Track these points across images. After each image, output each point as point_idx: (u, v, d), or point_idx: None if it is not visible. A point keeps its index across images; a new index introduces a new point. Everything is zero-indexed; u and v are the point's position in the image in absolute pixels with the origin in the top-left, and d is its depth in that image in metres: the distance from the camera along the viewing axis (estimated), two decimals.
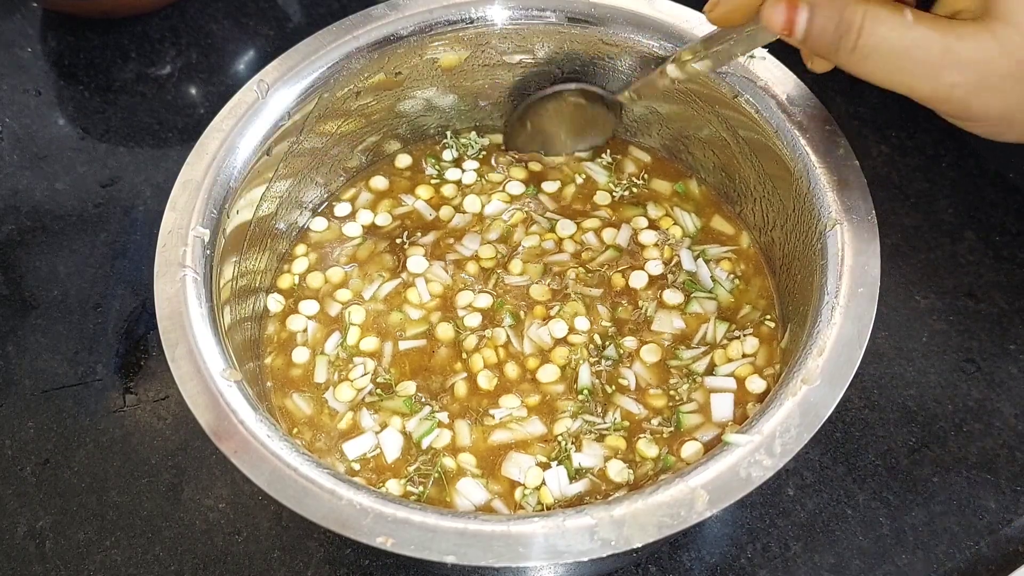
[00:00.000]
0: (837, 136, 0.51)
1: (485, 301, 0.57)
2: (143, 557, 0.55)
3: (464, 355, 0.55)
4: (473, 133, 0.65)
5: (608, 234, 0.59)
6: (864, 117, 0.70)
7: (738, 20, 0.45)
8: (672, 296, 0.56)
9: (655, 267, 0.58)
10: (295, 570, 0.54)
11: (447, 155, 0.64)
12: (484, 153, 0.65)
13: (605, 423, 0.52)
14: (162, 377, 0.61)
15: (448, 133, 0.65)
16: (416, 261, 0.59)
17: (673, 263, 0.58)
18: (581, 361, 0.54)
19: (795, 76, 0.53)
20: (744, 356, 0.54)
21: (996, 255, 0.64)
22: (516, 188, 0.62)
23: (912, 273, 0.63)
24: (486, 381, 0.53)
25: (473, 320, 0.56)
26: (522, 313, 0.56)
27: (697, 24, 0.55)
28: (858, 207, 0.48)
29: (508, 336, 0.55)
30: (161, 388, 0.61)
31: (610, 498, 0.42)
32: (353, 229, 0.61)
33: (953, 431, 0.57)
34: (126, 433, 0.59)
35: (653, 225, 0.60)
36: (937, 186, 0.67)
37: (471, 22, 0.58)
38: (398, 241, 0.60)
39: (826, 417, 0.42)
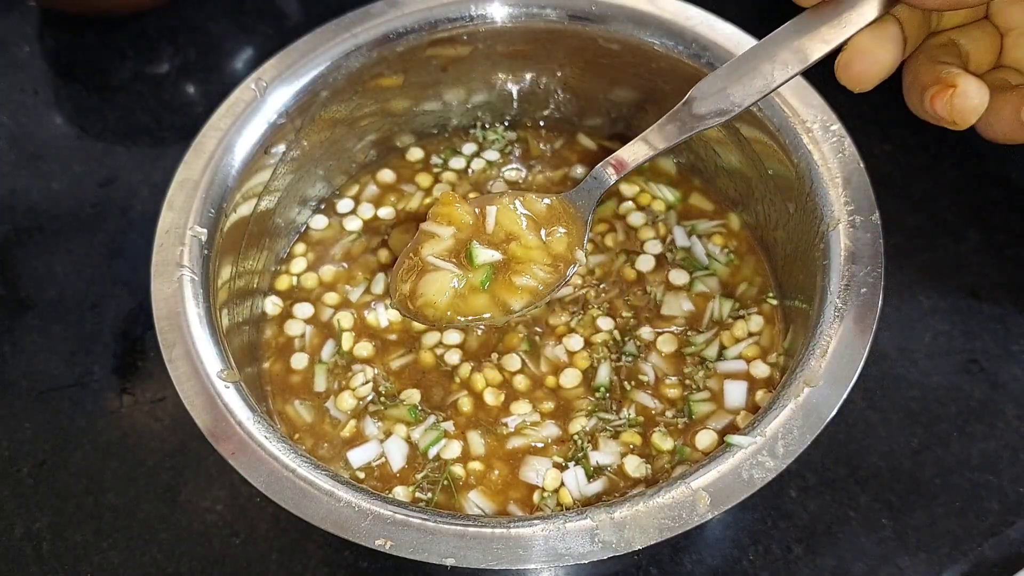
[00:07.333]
0: (842, 135, 0.50)
1: (455, 338, 0.55)
2: (140, 559, 0.54)
3: (458, 379, 0.54)
4: (500, 127, 0.65)
5: (608, 240, 0.59)
6: (867, 115, 0.69)
7: None
8: (677, 276, 0.57)
9: (655, 246, 0.58)
10: (293, 572, 0.53)
11: (467, 148, 0.64)
12: (509, 148, 0.64)
13: (620, 419, 0.52)
14: (159, 378, 0.61)
15: (478, 124, 0.65)
16: (379, 279, 0.58)
17: (669, 241, 0.59)
18: (602, 359, 0.54)
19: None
20: (750, 335, 0.54)
21: (1000, 255, 0.63)
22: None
23: (915, 273, 0.63)
24: (492, 397, 0.53)
25: (453, 357, 0.54)
26: (537, 338, 0.55)
27: (699, 22, 0.55)
28: (861, 207, 0.48)
29: (523, 360, 0.54)
30: (158, 389, 0.60)
31: (612, 499, 0.42)
32: (353, 223, 0.61)
33: (956, 432, 0.57)
34: (123, 434, 0.59)
35: (636, 204, 0.60)
36: (940, 186, 0.67)
37: (471, 19, 0.57)
38: (373, 245, 0.60)
39: (829, 418, 0.42)
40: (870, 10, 0.38)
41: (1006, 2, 0.40)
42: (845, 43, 0.38)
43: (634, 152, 0.47)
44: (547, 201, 0.50)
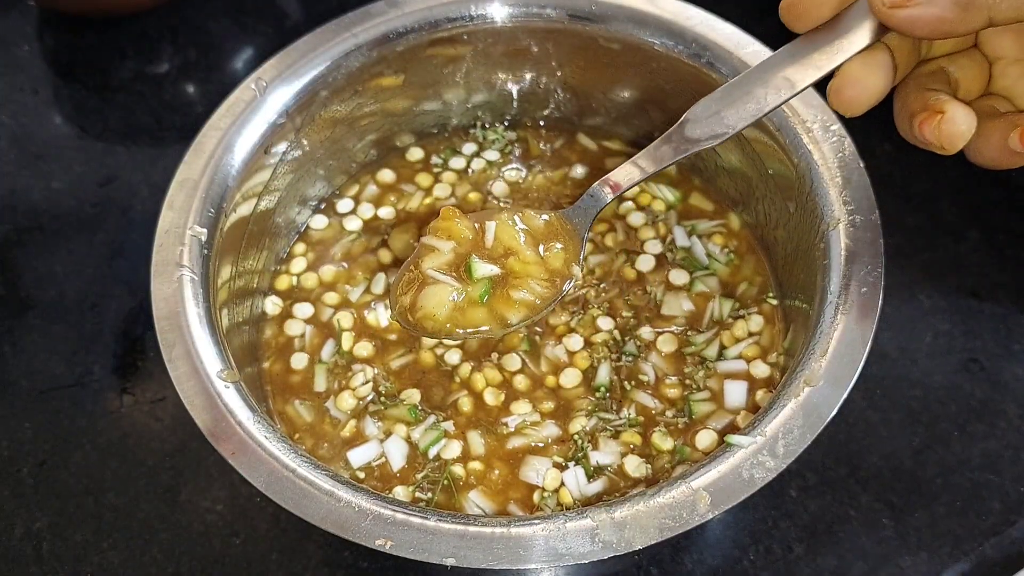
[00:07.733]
0: (842, 135, 0.50)
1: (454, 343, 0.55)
2: (140, 559, 0.54)
3: (458, 379, 0.54)
4: (500, 127, 0.65)
5: (608, 239, 0.59)
6: (867, 115, 0.69)
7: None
8: (678, 276, 0.57)
9: (655, 246, 0.58)
10: (293, 572, 0.53)
11: (467, 148, 0.64)
12: (509, 147, 0.64)
13: (620, 419, 0.52)
14: (159, 378, 0.61)
15: (478, 124, 0.65)
16: (379, 279, 0.58)
17: (669, 240, 0.59)
18: (602, 359, 0.54)
19: None
20: (750, 335, 0.54)
21: (1000, 255, 0.63)
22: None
23: (915, 273, 0.63)
24: (492, 397, 0.53)
25: (454, 356, 0.55)
26: (537, 338, 0.55)
27: (699, 22, 0.55)
28: (861, 207, 0.48)
29: (523, 360, 0.54)
30: (158, 389, 0.60)
31: (612, 499, 0.42)
32: (353, 223, 0.61)
33: (957, 432, 0.57)
34: (123, 434, 0.59)
35: (636, 204, 0.61)
36: (940, 186, 0.67)
37: (471, 19, 0.57)
38: (373, 245, 0.60)
39: (829, 418, 0.42)
40: (861, 38, 0.38)
41: (995, 32, 0.41)
42: (837, 69, 0.39)
43: (630, 172, 0.48)
44: (545, 217, 0.50)
